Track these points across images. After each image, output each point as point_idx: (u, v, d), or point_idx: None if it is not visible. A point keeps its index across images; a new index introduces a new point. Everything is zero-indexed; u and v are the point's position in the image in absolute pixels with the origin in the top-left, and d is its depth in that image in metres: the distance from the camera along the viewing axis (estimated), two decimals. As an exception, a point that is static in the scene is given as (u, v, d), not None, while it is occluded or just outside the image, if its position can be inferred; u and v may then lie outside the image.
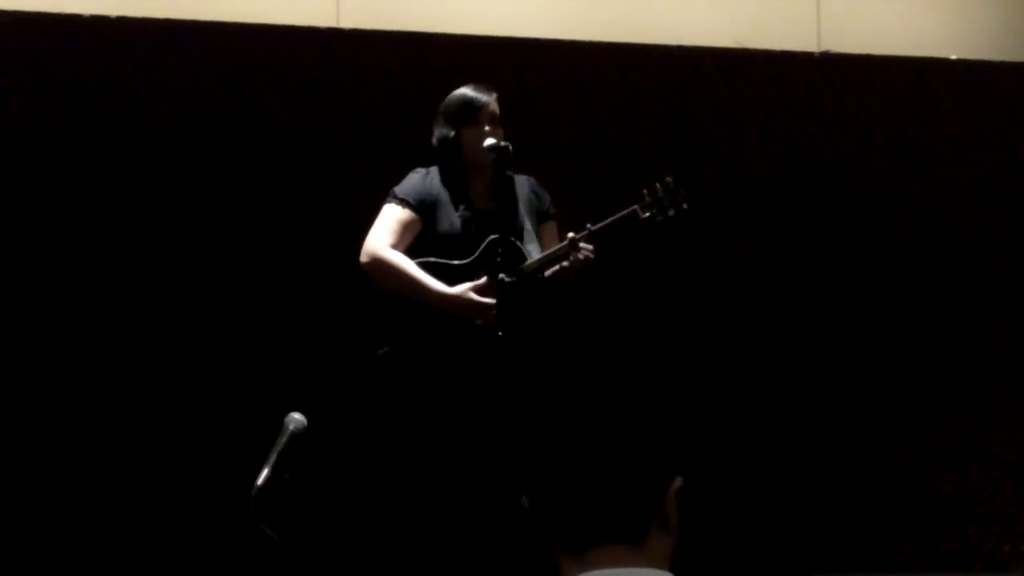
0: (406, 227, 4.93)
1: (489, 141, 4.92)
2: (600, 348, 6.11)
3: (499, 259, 4.81)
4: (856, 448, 6.31)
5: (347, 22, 6.14)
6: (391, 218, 4.94)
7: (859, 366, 6.38)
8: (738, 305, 6.34)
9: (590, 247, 4.83)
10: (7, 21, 5.81)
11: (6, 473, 5.65)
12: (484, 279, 4.82)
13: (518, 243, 4.92)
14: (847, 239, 6.49)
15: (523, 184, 5.05)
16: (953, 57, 6.68)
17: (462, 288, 4.82)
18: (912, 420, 6.36)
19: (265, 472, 4.29)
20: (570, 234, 4.85)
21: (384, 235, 4.91)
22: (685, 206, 4.96)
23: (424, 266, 4.88)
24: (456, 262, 4.89)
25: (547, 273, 4.92)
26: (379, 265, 4.88)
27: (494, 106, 4.98)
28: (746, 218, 6.39)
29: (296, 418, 4.42)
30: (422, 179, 4.99)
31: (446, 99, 5.01)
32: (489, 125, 4.93)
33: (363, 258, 4.91)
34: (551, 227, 5.04)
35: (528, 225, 4.98)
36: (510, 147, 4.91)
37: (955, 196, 6.54)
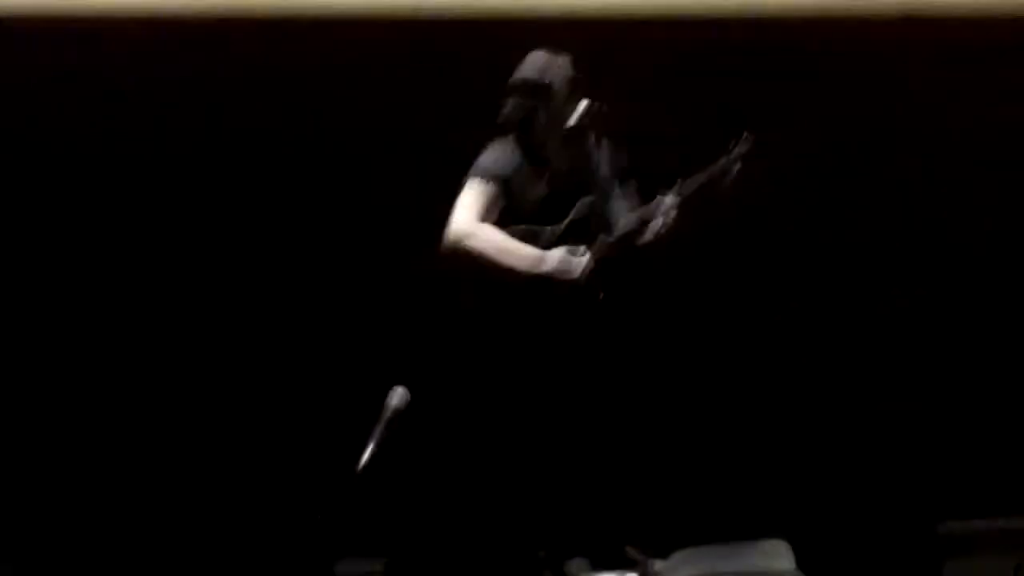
0: (492, 201, 4.83)
1: (583, 103, 4.83)
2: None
3: (590, 221, 4.74)
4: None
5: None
6: (475, 194, 4.84)
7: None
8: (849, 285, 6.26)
9: (677, 201, 4.73)
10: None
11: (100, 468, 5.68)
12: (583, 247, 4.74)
13: (607, 204, 4.83)
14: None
15: (603, 143, 4.94)
16: None
17: (558, 250, 4.74)
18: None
19: (370, 448, 4.26)
20: (661, 189, 4.76)
21: (469, 212, 4.80)
22: (751, 137, 4.82)
23: (513, 234, 4.80)
24: (542, 228, 4.81)
25: (638, 231, 4.83)
26: (469, 241, 4.76)
27: (569, 71, 4.88)
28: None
29: (399, 392, 4.38)
30: (501, 150, 4.89)
31: (518, 67, 4.90)
32: (566, 91, 4.84)
33: (451, 236, 4.78)
34: (633, 186, 4.94)
35: (613, 185, 4.88)
36: (604, 107, 4.83)
37: None
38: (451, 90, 5.94)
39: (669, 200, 4.74)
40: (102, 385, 5.83)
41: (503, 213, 4.82)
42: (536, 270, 4.73)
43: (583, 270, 4.71)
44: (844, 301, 6.27)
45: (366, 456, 4.24)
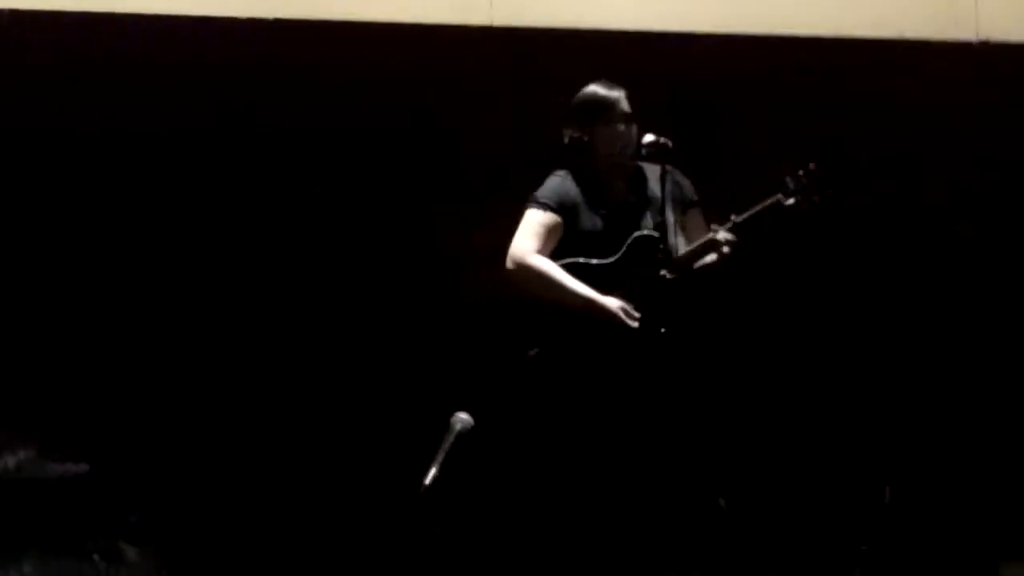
0: (550, 231, 4.92)
1: (648, 138, 4.90)
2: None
3: (644, 257, 4.79)
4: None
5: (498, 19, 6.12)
6: (534, 223, 4.92)
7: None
8: (884, 297, 6.23)
9: (732, 238, 4.76)
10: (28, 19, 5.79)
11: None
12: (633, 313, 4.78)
13: (662, 238, 4.86)
14: (1005, 230, 6.35)
15: (658, 174, 4.97)
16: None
17: (616, 304, 4.79)
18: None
19: (433, 471, 4.31)
20: (713, 226, 4.80)
21: (529, 240, 4.89)
22: (829, 193, 4.86)
23: (568, 267, 4.86)
24: (599, 261, 4.85)
25: (696, 266, 4.86)
26: (525, 272, 4.86)
27: (624, 103, 4.95)
28: (895, 209, 6.27)
29: (463, 418, 4.43)
30: (561, 181, 4.97)
31: (575, 99, 4.96)
32: (622, 124, 4.90)
33: (508, 264, 4.89)
34: (696, 215, 4.99)
35: (671, 218, 4.91)
36: (670, 143, 4.88)
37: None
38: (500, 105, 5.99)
39: (722, 236, 4.77)
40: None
41: (561, 242, 4.89)
42: (588, 310, 4.78)
43: (630, 316, 4.75)
44: (915, 341, 6.24)
45: (429, 479, 4.30)
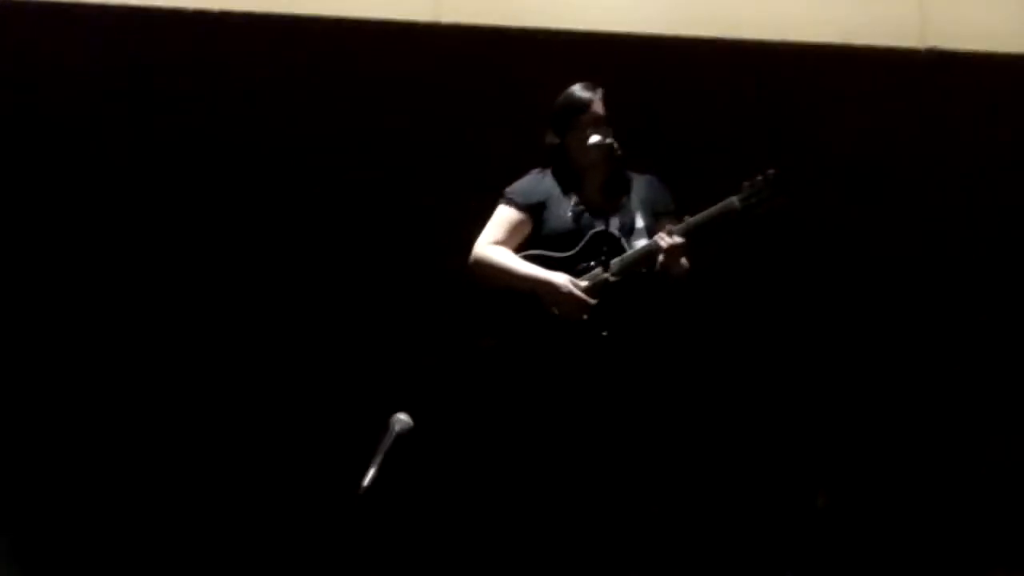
0: (515, 226, 4.96)
1: (593, 139, 4.91)
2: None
3: (603, 253, 4.80)
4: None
5: (448, 17, 6.13)
6: (500, 218, 4.99)
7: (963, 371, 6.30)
8: (829, 301, 6.28)
9: (674, 242, 4.76)
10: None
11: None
12: (585, 283, 4.80)
13: (622, 238, 4.90)
14: (949, 238, 6.41)
15: (641, 182, 5.03)
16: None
17: (563, 277, 4.80)
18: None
19: (371, 472, 4.30)
20: (663, 230, 4.81)
21: (489, 233, 4.96)
22: (783, 200, 4.87)
23: (528, 259, 4.89)
24: (558, 254, 4.87)
25: (645, 269, 4.87)
26: (479, 261, 4.90)
27: (597, 106, 4.97)
28: (847, 217, 6.32)
29: (402, 419, 4.43)
30: (535, 179, 5.02)
31: (555, 101, 4.99)
32: (592, 127, 4.92)
33: (469, 260, 4.92)
34: (670, 224, 4.96)
35: (641, 222, 4.95)
36: (614, 144, 4.90)
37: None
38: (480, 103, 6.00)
39: (664, 241, 4.79)
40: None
41: (529, 239, 4.90)
42: (536, 290, 4.79)
43: (574, 305, 4.76)
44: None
45: (367, 479, 4.29)
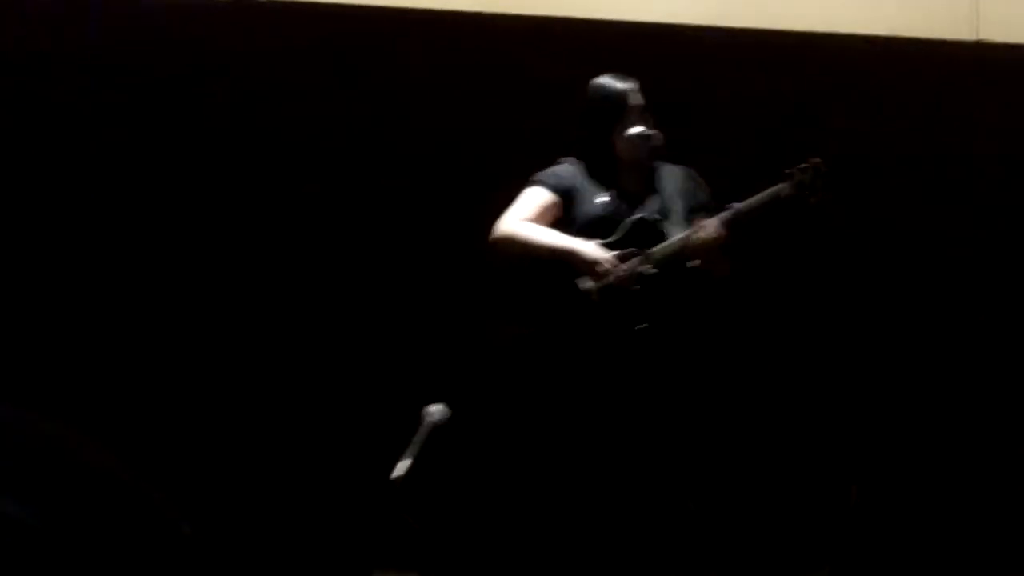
0: (545, 208, 4.85)
1: (632, 130, 4.84)
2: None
3: (642, 241, 4.75)
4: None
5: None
6: (528, 198, 4.88)
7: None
8: (879, 295, 6.22)
9: (712, 235, 4.69)
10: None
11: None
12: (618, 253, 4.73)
13: (661, 226, 4.82)
14: (999, 231, 6.33)
15: (677, 173, 4.94)
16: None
17: (592, 243, 4.74)
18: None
19: (406, 463, 4.29)
20: (699, 220, 4.75)
21: (515, 211, 4.85)
22: (829, 193, 4.79)
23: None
24: (598, 242, 4.80)
25: (690, 264, 4.81)
26: (503, 237, 4.80)
27: (635, 96, 4.88)
28: (892, 208, 6.26)
29: (437, 409, 4.41)
30: (566, 167, 4.93)
31: (587, 94, 4.91)
32: (639, 122, 4.84)
33: (491, 236, 4.83)
34: (703, 219, 4.89)
35: (678, 211, 4.85)
36: (653, 136, 4.83)
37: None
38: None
39: (702, 234, 4.72)
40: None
41: (559, 224, 4.83)
42: (566, 259, 4.73)
43: (604, 269, 4.70)
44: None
45: (402, 470, 4.28)
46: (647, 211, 4.84)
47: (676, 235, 4.79)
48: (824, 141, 5.76)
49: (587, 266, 4.74)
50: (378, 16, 5.94)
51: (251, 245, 5.89)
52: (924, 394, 6.18)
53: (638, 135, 4.82)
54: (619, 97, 4.86)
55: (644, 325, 4.72)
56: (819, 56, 6.19)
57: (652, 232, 4.81)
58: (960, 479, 6.11)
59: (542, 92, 5.85)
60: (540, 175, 4.90)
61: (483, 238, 4.91)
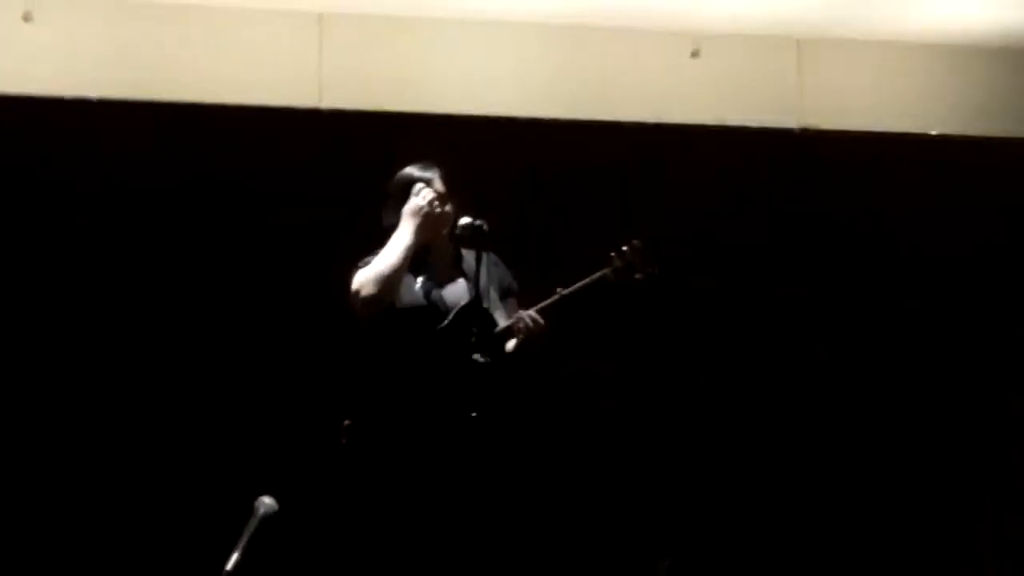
0: None
1: (464, 220, 4.96)
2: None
3: (472, 325, 4.85)
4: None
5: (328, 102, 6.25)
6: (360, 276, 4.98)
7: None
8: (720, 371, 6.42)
9: (536, 318, 4.84)
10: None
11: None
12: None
13: (488, 310, 4.92)
14: (827, 316, 6.56)
15: (482, 258, 4.95)
16: (933, 133, 6.75)
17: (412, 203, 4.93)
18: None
19: (235, 556, 4.33)
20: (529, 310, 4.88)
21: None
22: (654, 270, 4.95)
23: (394, 334, 4.89)
24: (429, 329, 4.90)
25: (508, 347, 4.93)
26: (360, 284, 4.86)
27: (437, 184, 5.02)
28: (720, 293, 6.46)
29: (267, 502, 4.46)
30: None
31: (391, 182, 5.06)
32: (437, 202, 4.99)
33: (359, 292, 4.87)
34: (513, 304, 5.02)
35: (493, 296, 4.97)
36: (484, 226, 4.94)
37: (931, 270, 6.62)
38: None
39: (530, 313, 4.87)
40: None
41: (382, 315, 4.91)
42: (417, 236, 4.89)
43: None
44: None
45: (232, 563, 4.32)
46: (460, 296, 4.96)
47: (500, 320, 4.92)
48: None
49: (427, 221, 4.91)
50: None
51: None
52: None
53: (463, 225, 4.94)
54: (413, 181, 5.01)
55: (474, 414, 4.81)
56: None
57: (481, 316, 4.91)
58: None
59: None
60: (361, 263, 4.98)
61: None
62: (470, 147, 6.04)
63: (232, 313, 6.07)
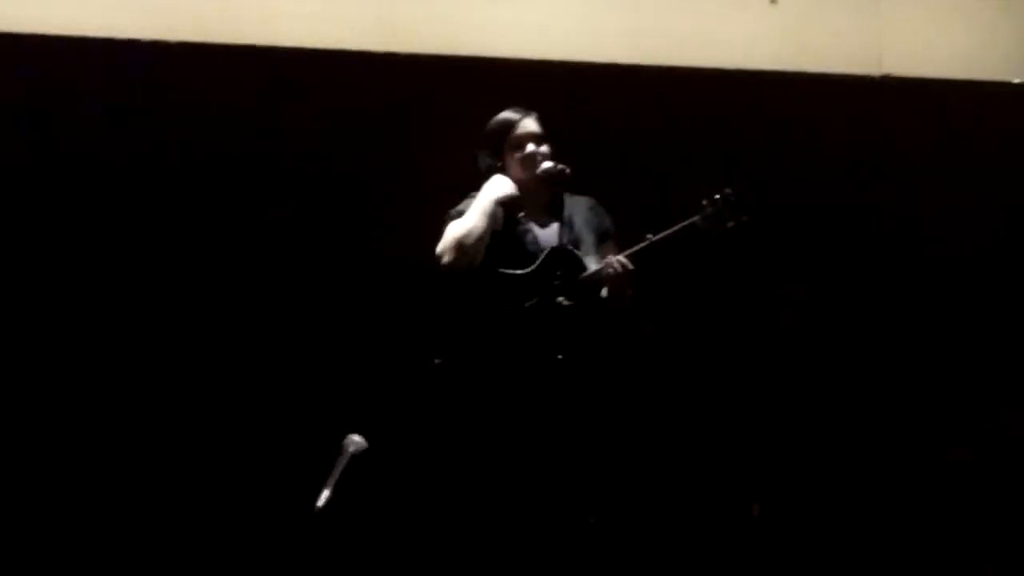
0: None
1: (546, 165, 4.96)
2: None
3: (560, 268, 4.86)
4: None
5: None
6: (448, 231, 4.99)
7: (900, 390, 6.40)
8: (793, 330, 6.37)
9: (624, 264, 4.83)
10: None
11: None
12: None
13: (576, 252, 4.94)
14: (902, 262, 6.50)
15: (580, 203, 5.08)
16: (1016, 80, 6.68)
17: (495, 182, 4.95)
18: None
19: (326, 493, 4.38)
20: (618, 255, 4.87)
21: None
22: (745, 218, 4.92)
23: (485, 276, 4.91)
24: (517, 272, 4.91)
25: (603, 292, 4.93)
26: (445, 247, 4.89)
27: (532, 126, 5.03)
28: (803, 242, 6.41)
29: (356, 440, 4.51)
30: (474, 198, 5.04)
31: (487, 126, 5.06)
32: (532, 144, 4.98)
33: (442, 258, 4.90)
34: (611, 247, 5.03)
35: (588, 241, 5.00)
36: (567, 170, 4.96)
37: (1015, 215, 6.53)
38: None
39: (618, 258, 4.86)
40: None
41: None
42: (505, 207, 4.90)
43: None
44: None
45: (322, 499, 4.36)
46: (556, 239, 4.95)
47: (591, 264, 4.92)
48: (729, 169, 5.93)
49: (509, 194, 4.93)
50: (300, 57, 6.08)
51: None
52: (822, 410, 6.34)
53: (524, 155, 4.95)
54: (509, 125, 5.00)
55: (560, 356, 4.81)
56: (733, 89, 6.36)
57: (569, 260, 4.92)
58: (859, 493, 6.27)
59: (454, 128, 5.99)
60: (454, 210, 5.02)
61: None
62: (564, 94, 6.03)
63: (325, 248, 6.09)
